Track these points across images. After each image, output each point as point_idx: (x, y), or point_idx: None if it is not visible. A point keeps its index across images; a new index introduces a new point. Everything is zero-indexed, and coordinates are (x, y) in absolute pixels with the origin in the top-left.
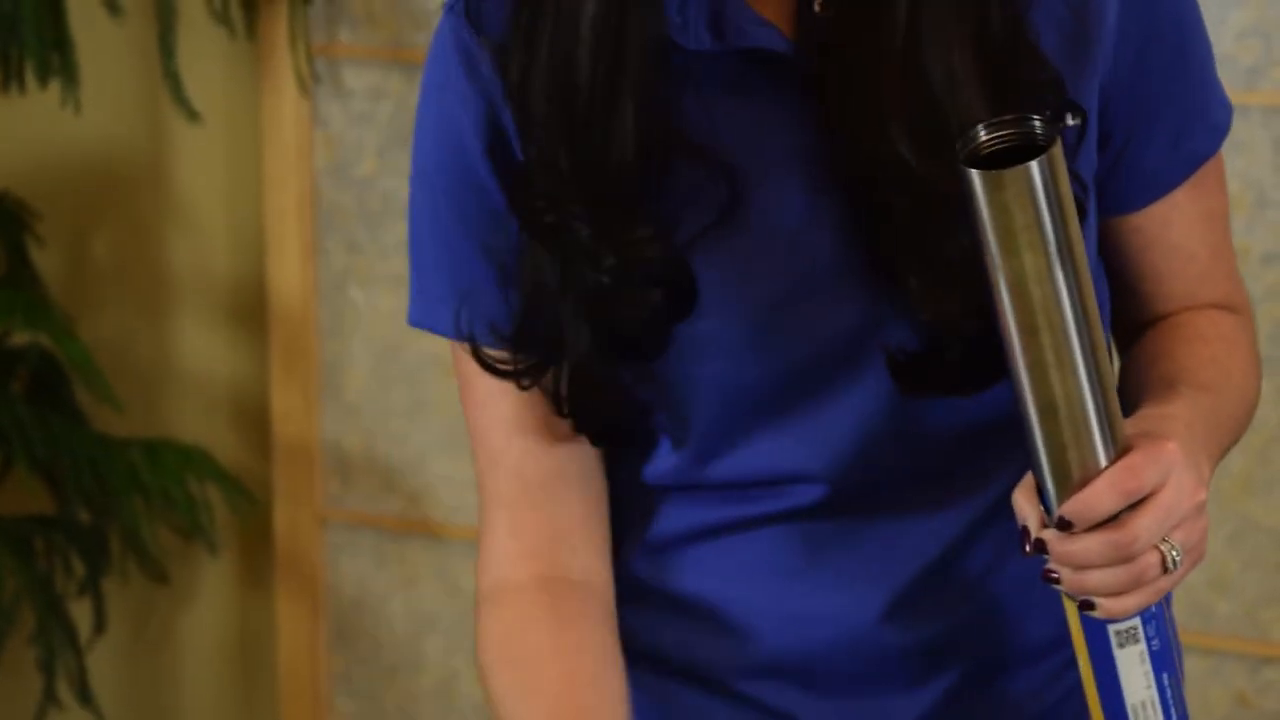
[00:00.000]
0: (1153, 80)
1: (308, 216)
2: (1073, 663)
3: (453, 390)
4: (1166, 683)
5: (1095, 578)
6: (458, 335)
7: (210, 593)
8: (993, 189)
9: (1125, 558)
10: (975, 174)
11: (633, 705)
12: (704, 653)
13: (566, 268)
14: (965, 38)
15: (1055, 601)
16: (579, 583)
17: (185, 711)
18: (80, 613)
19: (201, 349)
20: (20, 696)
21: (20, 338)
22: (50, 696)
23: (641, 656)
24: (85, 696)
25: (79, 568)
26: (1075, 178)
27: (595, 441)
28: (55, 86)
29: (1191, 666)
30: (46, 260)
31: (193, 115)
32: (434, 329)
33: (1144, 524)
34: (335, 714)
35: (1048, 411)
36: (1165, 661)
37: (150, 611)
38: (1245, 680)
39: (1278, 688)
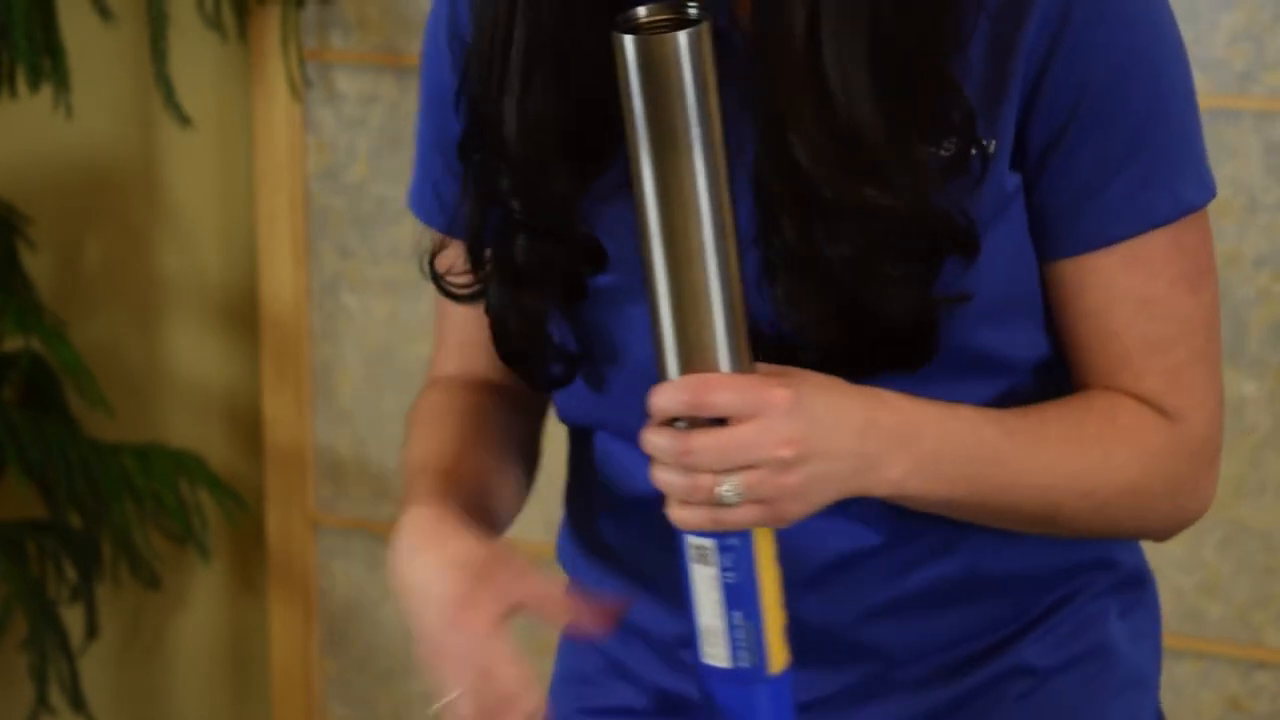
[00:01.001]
0: (1077, 115)
1: (299, 221)
2: (981, 657)
3: None
4: (738, 622)
5: (660, 475)
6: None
7: (202, 598)
8: (639, 51)
9: (682, 466)
10: (626, 39)
11: (586, 652)
12: (646, 616)
13: (488, 205)
14: (860, 51)
15: (974, 601)
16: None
17: (178, 717)
18: (72, 618)
19: (193, 353)
20: (12, 702)
21: (12, 342)
22: (42, 702)
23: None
24: (78, 702)
25: (71, 573)
26: (963, 212)
27: (521, 376)
28: (47, 91)
29: (1184, 670)
30: (38, 265)
31: (184, 120)
32: (416, 215)
33: (701, 442)
34: (328, 719)
35: (668, 293)
36: (741, 600)
37: (142, 616)
38: (1237, 684)
39: (1270, 691)
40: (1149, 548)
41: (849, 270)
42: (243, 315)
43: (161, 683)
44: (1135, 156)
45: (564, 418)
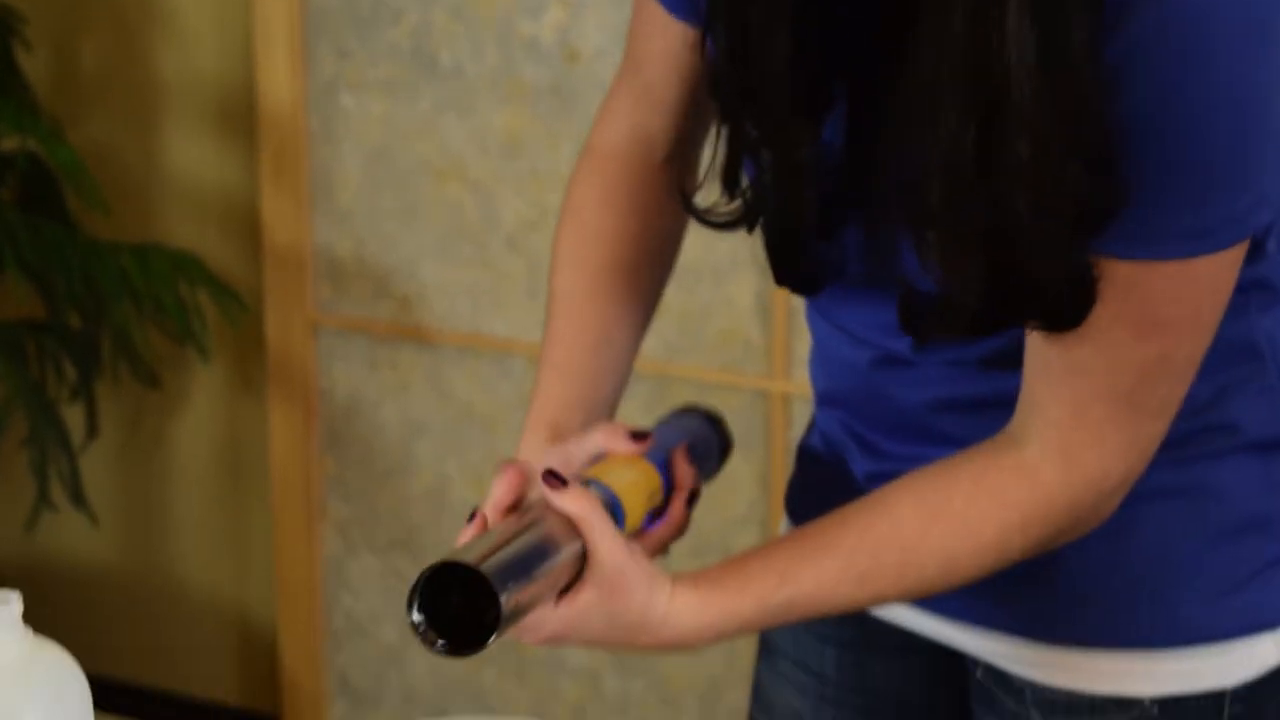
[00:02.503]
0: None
1: (296, 22)
2: None
3: (445, 196)
4: None
5: None
6: None
7: (202, 398)
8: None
9: None
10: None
11: None
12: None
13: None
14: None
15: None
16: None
17: (178, 516)
18: (73, 417)
19: (190, 155)
20: (14, 500)
21: (9, 143)
22: (44, 499)
23: None
24: (79, 499)
25: (71, 372)
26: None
27: (796, 290)
28: None
29: None
30: (34, 65)
31: None
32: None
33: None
34: (328, 519)
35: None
36: None
37: (142, 416)
38: None
39: None
40: None
41: (1020, 229)
42: (240, 117)
43: (161, 482)
44: (1136, 177)
45: None
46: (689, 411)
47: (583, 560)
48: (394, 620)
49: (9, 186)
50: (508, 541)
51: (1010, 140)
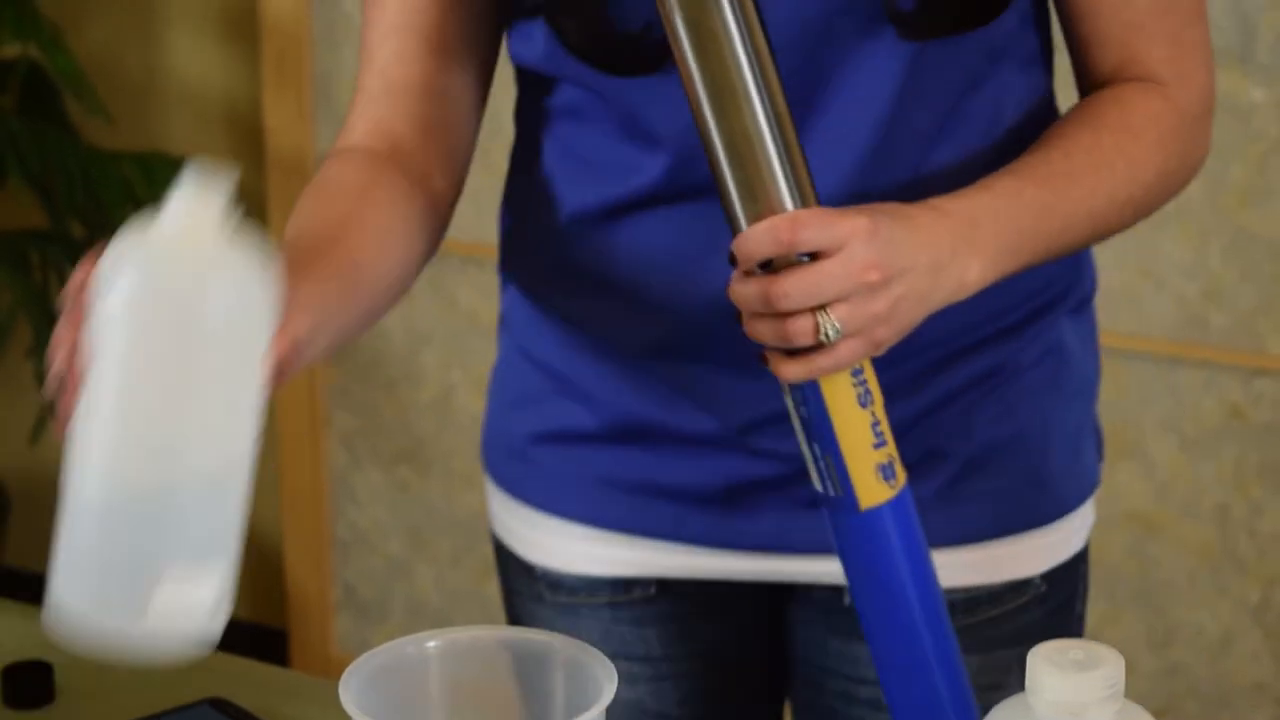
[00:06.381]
0: None
1: None
2: (962, 355)
3: None
4: (818, 454)
5: (755, 326)
6: None
7: None
8: None
9: (773, 311)
10: None
11: (527, 373)
12: (608, 327)
13: None
14: None
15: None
16: (412, 171)
17: None
18: None
19: (192, 60)
20: (19, 412)
21: (9, 50)
22: (50, 410)
23: (560, 323)
24: None
25: None
26: None
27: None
28: None
29: (1186, 377)
30: None
31: None
32: None
33: (790, 281)
34: (332, 430)
35: (729, 145)
36: (816, 434)
37: None
38: (1239, 392)
39: (1270, 398)
40: (1149, 254)
41: None
42: (242, 22)
43: None
44: None
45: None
46: None
47: None
48: (400, 532)
49: (9, 93)
50: None
51: None
